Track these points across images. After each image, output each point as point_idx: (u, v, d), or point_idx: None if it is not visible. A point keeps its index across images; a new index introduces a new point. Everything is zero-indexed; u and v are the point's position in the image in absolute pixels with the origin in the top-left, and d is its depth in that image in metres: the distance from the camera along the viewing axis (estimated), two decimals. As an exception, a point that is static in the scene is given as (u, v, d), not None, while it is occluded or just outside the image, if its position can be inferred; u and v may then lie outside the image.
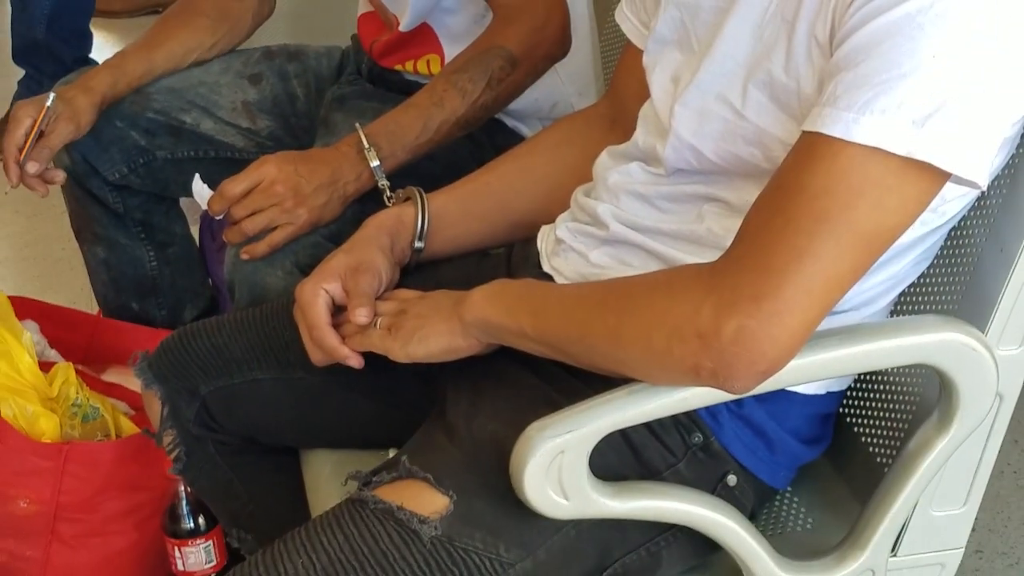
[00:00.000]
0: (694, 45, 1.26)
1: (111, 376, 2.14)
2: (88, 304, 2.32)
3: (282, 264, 1.61)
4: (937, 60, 1.01)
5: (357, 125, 1.64)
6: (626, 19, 1.42)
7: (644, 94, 1.34)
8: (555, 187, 1.47)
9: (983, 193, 1.19)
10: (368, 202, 1.63)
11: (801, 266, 1.04)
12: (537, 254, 1.41)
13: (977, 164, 1.03)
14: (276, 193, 1.58)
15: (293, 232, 1.60)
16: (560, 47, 1.70)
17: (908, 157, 1.02)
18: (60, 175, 1.81)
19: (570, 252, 1.36)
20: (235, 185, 1.59)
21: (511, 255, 1.48)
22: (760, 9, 1.17)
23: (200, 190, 1.64)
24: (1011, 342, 1.20)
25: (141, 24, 3.66)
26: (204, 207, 1.64)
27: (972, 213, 1.22)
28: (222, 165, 1.71)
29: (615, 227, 1.31)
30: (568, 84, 1.85)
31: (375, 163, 1.61)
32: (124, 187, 1.99)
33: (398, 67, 1.92)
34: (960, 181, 1.05)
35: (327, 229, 1.63)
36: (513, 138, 1.84)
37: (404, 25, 1.84)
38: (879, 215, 1.05)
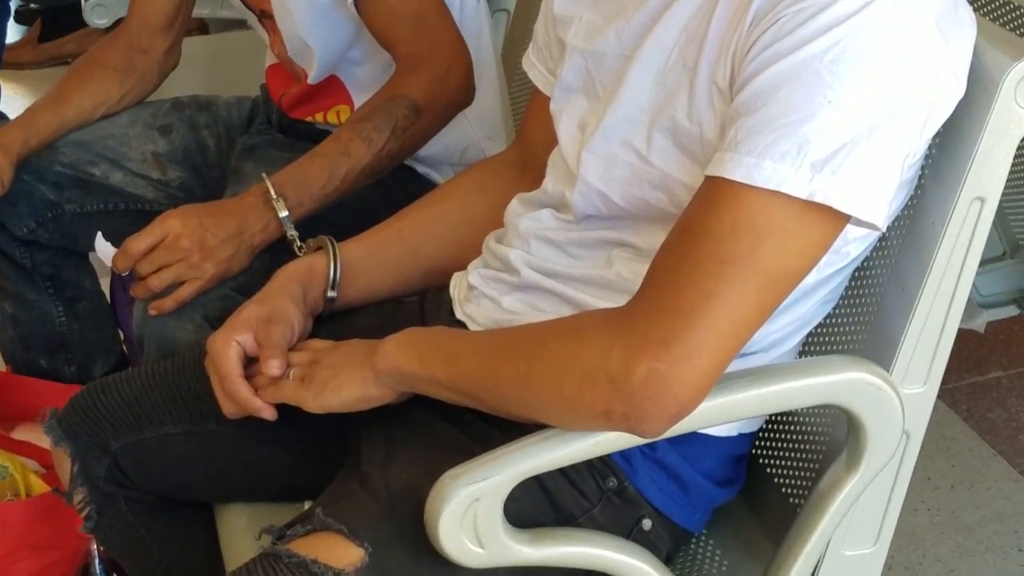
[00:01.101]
0: (599, 92, 1.27)
1: (20, 434, 2.10)
2: (-6, 361, 2.29)
3: (191, 318, 1.60)
4: (833, 105, 1.03)
5: (264, 175, 1.63)
6: (533, 66, 1.44)
7: (553, 140, 1.35)
8: (467, 234, 1.47)
9: (884, 234, 1.21)
10: (277, 252, 1.62)
11: (709, 309, 1.05)
12: (450, 301, 1.42)
13: (876, 206, 1.06)
14: (181, 248, 1.57)
15: (200, 286, 1.59)
16: (463, 95, 1.71)
17: (808, 200, 1.04)
18: None
19: (482, 298, 1.36)
20: (139, 242, 1.58)
21: (424, 302, 1.48)
22: (662, 56, 1.19)
23: (103, 248, 1.63)
24: (915, 381, 1.22)
25: (48, 76, 3.63)
26: (108, 264, 1.62)
27: (874, 254, 1.24)
28: (132, 217, 1.70)
29: (526, 273, 1.32)
30: (478, 129, 1.87)
31: (283, 213, 1.60)
32: (32, 242, 1.97)
33: (308, 118, 1.92)
34: (860, 223, 1.07)
35: (235, 281, 1.62)
36: (424, 184, 1.85)
37: (312, 78, 1.85)
38: (783, 257, 1.06)
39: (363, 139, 1.65)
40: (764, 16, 1.08)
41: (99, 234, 1.65)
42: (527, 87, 1.54)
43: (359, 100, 1.85)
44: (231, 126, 2.03)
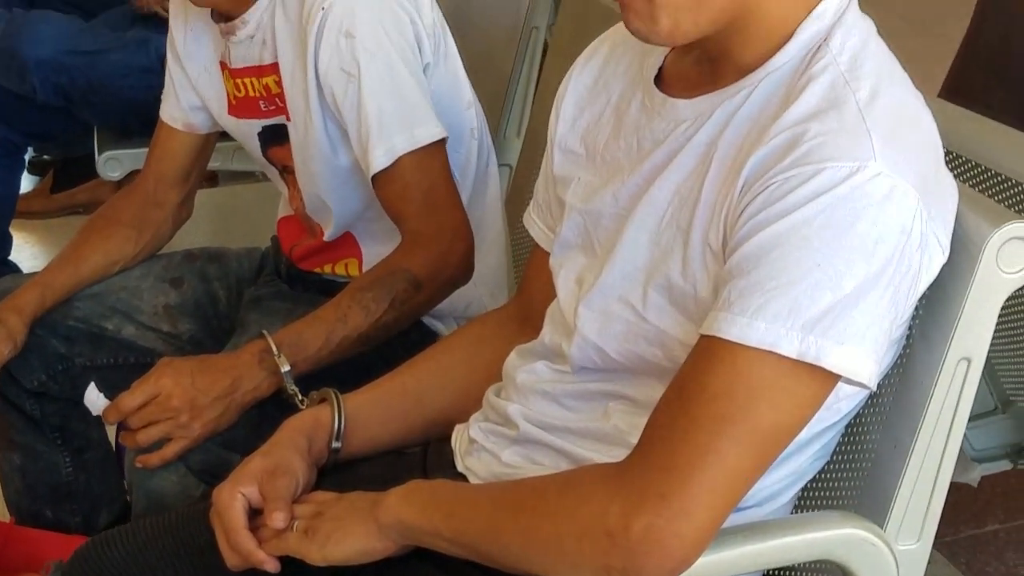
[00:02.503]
0: (597, 249, 1.31)
1: (25, 586, 2.09)
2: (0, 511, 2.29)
3: (175, 469, 1.63)
4: (822, 269, 1.07)
5: (265, 332, 1.67)
6: (533, 223, 1.48)
7: (552, 294, 1.38)
8: (469, 386, 1.50)
9: (876, 391, 1.24)
10: (266, 406, 1.66)
11: (705, 465, 1.08)
12: (452, 453, 1.44)
13: (865, 367, 1.09)
14: (171, 407, 1.61)
15: (187, 445, 1.62)
16: (464, 274, 1.76)
17: (800, 360, 1.07)
18: None
19: (482, 452, 1.38)
20: (131, 399, 1.62)
21: (427, 454, 1.50)
22: (657, 217, 1.23)
23: (95, 399, 1.67)
24: (909, 537, 1.24)
25: (60, 225, 3.70)
26: (95, 414, 1.66)
27: (867, 410, 1.27)
28: (142, 371, 1.73)
29: (525, 427, 1.34)
30: (481, 286, 1.90)
31: (285, 368, 1.64)
32: (42, 394, 1.99)
33: (317, 269, 1.96)
34: (850, 382, 1.11)
35: (221, 436, 1.65)
36: (428, 335, 1.88)
37: (328, 236, 1.89)
38: (776, 415, 1.09)
39: (361, 308, 1.69)
40: (755, 182, 1.12)
41: (92, 384, 1.69)
42: (526, 245, 1.58)
43: (368, 253, 1.90)
44: (241, 278, 2.07)
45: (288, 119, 1.82)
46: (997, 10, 2.07)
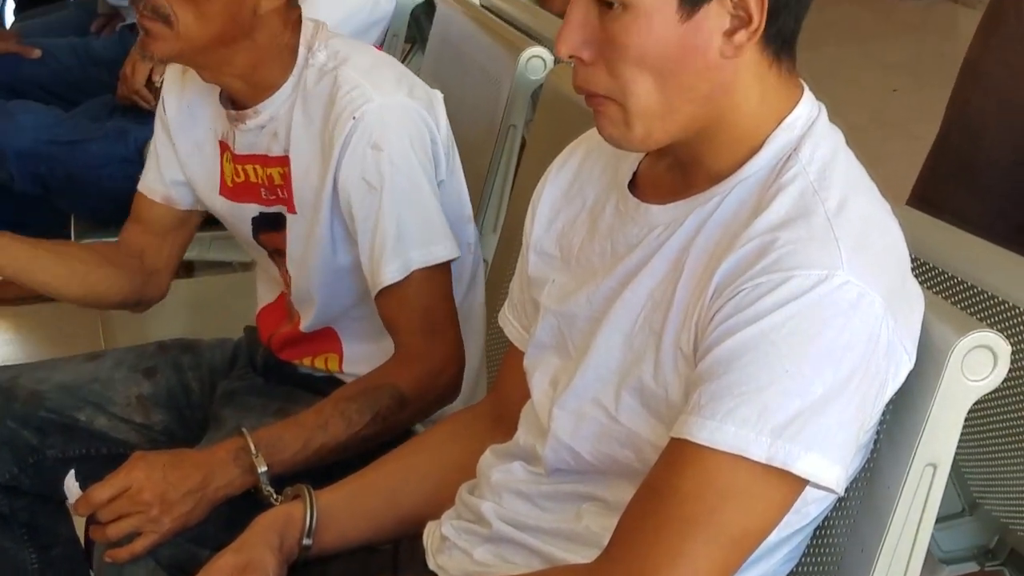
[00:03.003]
0: (571, 351, 1.33)
1: None
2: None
3: (144, 563, 1.61)
4: (791, 375, 1.09)
5: (244, 431, 1.67)
6: (508, 323, 1.50)
7: (527, 393, 1.40)
8: (441, 484, 1.50)
9: (844, 495, 1.25)
10: (238, 501, 1.65)
11: (674, 567, 1.09)
12: (423, 551, 1.44)
13: (832, 471, 1.11)
14: (142, 501, 1.60)
15: (156, 540, 1.61)
16: (451, 395, 1.76)
17: (769, 464, 1.09)
18: None
19: (454, 550, 1.39)
20: (102, 492, 1.61)
21: (398, 551, 1.50)
22: (631, 320, 1.25)
23: (71, 487, 1.66)
24: (875, 642, 1.25)
25: (32, 312, 3.69)
26: (72, 501, 1.65)
27: (834, 514, 1.28)
28: (114, 462, 1.72)
29: (497, 525, 1.35)
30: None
31: (263, 468, 1.63)
32: (12, 488, 1.97)
33: (296, 361, 1.95)
34: (818, 486, 1.12)
35: (190, 532, 1.64)
36: (403, 433, 1.88)
37: (305, 327, 1.89)
38: (745, 518, 1.11)
39: (344, 418, 1.69)
40: (726, 288, 1.15)
41: (71, 472, 1.68)
42: (501, 344, 1.59)
43: (350, 350, 1.89)
44: (214, 368, 2.05)
45: (291, 211, 1.82)
46: (963, 119, 2.11)
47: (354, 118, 1.70)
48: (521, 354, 1.42)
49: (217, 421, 1.89)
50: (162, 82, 2.03)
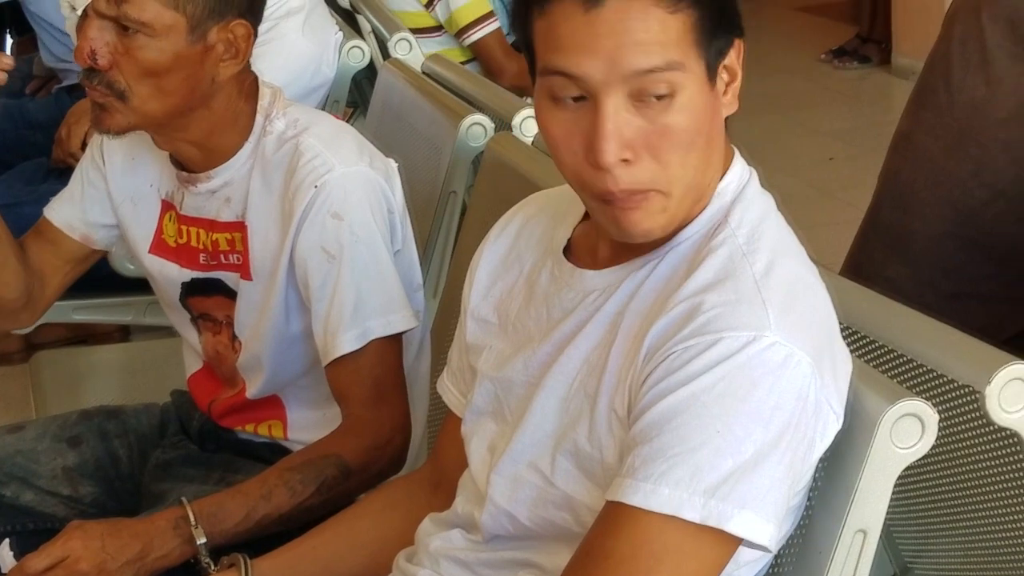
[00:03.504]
0: (508, 416, 1.34)
1: None
2: None
3: None
4: (722, 435, 1.11)
5: (184, 500, 1.65)
6: (447, 390, 1.50)
7: (465, 460, 1.40)
8: (379, 551, 1.50)
9: (776, 560, 1.27)
10: (176, 570, 1.63)
11: None
12: (361, 618, 1.44)
13: (765, 530, 1.12)
14: (79, 571, 1.58)
15: None
16: (396, 467, 1.75)
17: (702, 524, 1.10)
18: None
19: (393, 616, 1.39)
20: (38, 561, 1.58)
21: (336, 618, 1.50)
22: (566, 384, 1.26)
23: (6, 557, 1.64)
24: None
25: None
26: (5, 572, 1.63)
27: (769, 574, 1.29)
28: (43, 536, 1.68)
29: (436, 592, 1.35)
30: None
31: (201, 540, 1.61)
32: (-59, 564, 1.93)
33: (238, 428, 1.92)
34: (752, 545, 1.13)
35: None
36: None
37: (251, 394, 1.86)
38: None
39: (288, 488, 1.67)
40: (656, 351, 1.17)
41: (6, 541, 1.65)
42: (440, 410, 1.60)
43: (294, 417, 1.87)
44: (142, 435, 2.00)
45: (245, 278, 1.79)
46: (895, 189, 2.14)
47: (316, 187, 1.70)
48: (459, 421, 1.43)
49: (155, 496, 1.85)
50: None
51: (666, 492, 1.11)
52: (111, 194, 1.92)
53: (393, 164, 1.81)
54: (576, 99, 1.17)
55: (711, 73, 1.18)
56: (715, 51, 1.18)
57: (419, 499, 1.52)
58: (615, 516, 1.14)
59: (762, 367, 1.12)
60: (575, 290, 1.29)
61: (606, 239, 1.28)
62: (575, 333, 1.27)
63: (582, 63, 1.15)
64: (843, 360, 1.22)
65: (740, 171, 1.26)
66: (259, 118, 1.77)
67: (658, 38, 1.14)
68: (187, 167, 1.81)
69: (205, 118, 1.74)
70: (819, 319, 1.20)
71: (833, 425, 1.19)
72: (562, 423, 1.26)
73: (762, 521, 1.12)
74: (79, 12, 1.74)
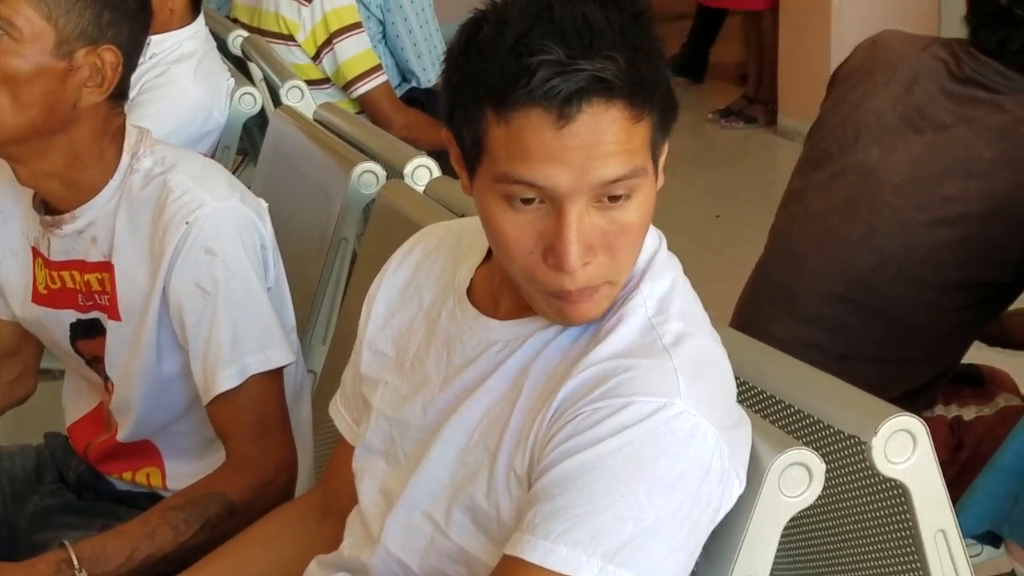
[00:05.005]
0: (401, 459, 1.33)
1: None
2: None
3: None
4: (625, 499, 1.12)
5: (66, 543, 1.61)
6: (339, 415, 1.49)
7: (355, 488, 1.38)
8: None
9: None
10: None
11: None
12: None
13: None
14: None
15: None
16: (281, 502, 1.71)
17: None
18: None
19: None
20: None
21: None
22: (465, 436, 1.26)
23: None
24: None
25: None
26: None
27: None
28: None
29: (323, 636, 1.33)
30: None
31: None
32: None
33: (115, 475, 1.88)
34: None
35: None
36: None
37: (122, 437, 1.83)
38: None
39: (171, 527, 1.64)
40: (565, 411, 1.17)
41: None
42: (333, 432, 1.58)
43: (172, 465, 1.84)
44: (16, 478, 1.96)
45: (113, 318, 1.76)
46: (784, 248, 2.17)
47: (187, 223, 1.67)
48: (350, 448, 1.41)
49: (36, 546, 1.79)
50: None
51: (564, 552, 1.11)
52: None
53: (263, 203, 1.80)
54: (530, 200, 1.16)
55: (655, 169, 1.19)
56: (659, 148, 1.20)
57: (309, 524, 1.51)
58: (512, 571, 1.14)
59: (670, 435, 1.13)
60: (477, 338, 1.28)
61: (509, 289, 1.26)
62: (477, 385, 1.26)
63: (552, 176, 1.14)
64: (744, 425, 1.22)
65: (653, 238, 1.26)
66: (125, 156, 1.74)
67: (625, 147, 1.14)
68: (52, 206, 1.77)
69: (65, 146, 1.70)
70: (725, 391, 1.22)
71: (737, 490, 1.20)
72: (459, 475, 1.25)
73: None
74: None
